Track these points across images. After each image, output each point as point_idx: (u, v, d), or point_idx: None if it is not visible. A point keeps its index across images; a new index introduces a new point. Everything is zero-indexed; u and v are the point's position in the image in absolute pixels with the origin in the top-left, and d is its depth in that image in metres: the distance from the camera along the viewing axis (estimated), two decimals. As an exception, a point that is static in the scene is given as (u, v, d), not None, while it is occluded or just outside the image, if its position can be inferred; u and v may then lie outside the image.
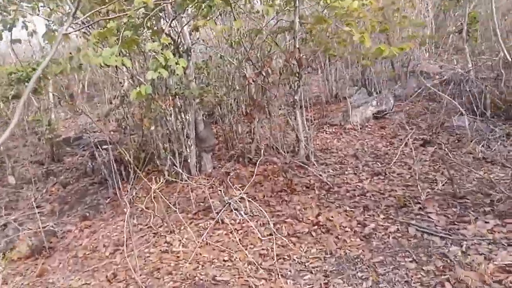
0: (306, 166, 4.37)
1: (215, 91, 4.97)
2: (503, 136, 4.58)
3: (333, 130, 6.10)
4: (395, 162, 4.49)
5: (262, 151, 4.68)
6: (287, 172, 4.24)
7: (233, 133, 5.20)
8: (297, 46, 4.33)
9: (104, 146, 5.01)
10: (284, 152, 4.58)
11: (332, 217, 3.35)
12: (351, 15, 3.76)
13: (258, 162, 4.18)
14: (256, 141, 4.94)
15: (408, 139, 4.97)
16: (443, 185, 3.65)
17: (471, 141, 4.55)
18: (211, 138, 4.83)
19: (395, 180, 4.03)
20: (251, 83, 4.72)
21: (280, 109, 5.33)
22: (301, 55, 4.44)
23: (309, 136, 4.84)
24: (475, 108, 5.07)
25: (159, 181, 3.26)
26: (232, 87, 5.02)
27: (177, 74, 3.10)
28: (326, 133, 6.01)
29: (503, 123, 4.89)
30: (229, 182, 4.12)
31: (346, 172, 4.38)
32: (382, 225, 3.11)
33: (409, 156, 4.60)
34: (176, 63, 2.92)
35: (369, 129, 5.98)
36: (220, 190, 3.94)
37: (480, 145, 4.46)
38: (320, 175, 4.17)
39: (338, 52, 4.96)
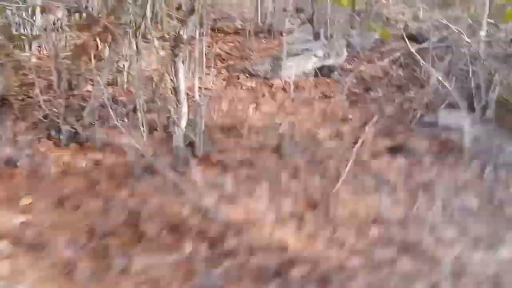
0: (177, 179, 2.15)
1: None
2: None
3: (253, 85, 3.88)
4: (344, 179, 2.49)
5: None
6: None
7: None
8: None
9: None
10: (142, 132, 2.28)
11: None
12: None
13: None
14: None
15: (366, 135, 2.99)
16: None
17: (472, 160, 2.71)
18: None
19: (346, 227, 2.03)
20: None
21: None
22: None
23: (205, 103, 2.60)
24: (475, 101, 3.18)
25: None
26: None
27: None
28: (241, 89, 3.78)
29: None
30: None
31: (253, 193, 2.28)
32: None
33: (368, 170, 2.63)
34: None
35: (306, 95, 3.86)
36: None
37: (487, 170, 2.64)
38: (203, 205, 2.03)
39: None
